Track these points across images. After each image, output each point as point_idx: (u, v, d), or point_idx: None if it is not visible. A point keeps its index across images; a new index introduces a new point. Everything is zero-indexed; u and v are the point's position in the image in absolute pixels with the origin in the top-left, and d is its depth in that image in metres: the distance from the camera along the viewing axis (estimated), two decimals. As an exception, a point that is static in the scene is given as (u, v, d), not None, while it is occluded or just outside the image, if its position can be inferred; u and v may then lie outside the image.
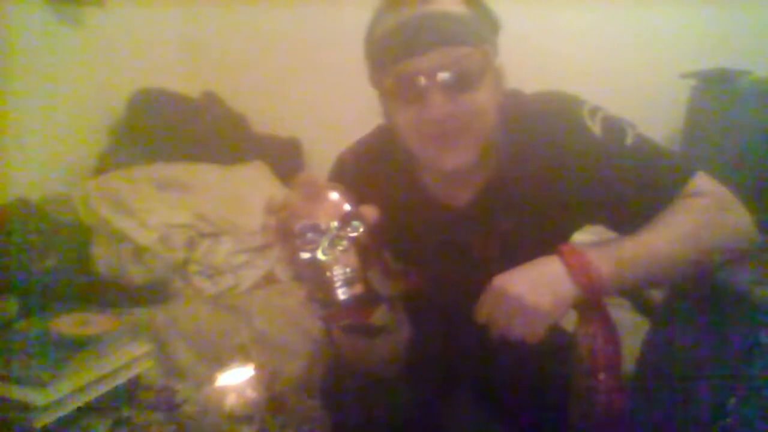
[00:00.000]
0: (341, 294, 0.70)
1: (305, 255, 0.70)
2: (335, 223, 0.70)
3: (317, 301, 0.73)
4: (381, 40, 0.84)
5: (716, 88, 1.87)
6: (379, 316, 0.78)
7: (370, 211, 0.72)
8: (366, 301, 0.74)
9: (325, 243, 0.70)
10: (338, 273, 0.70)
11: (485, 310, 0.81)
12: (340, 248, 0.70)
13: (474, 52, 0.81)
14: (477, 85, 0.82)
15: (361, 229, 0.71)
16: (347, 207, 0.71)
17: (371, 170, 0.96)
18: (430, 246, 0.96)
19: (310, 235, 0.69)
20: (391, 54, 0.82)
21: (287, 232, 0.70)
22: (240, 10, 2.42)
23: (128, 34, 2.20)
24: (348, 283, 0.70)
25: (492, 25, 0.87)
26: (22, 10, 1.82)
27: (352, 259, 0.71)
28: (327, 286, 0.70)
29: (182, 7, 2.44)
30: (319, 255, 0.70)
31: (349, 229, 0.71)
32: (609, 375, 0.82)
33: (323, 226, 0.70)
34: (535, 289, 0.78)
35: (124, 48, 2.18)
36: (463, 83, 0.81)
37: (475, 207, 0.93)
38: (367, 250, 0.72)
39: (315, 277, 0.71)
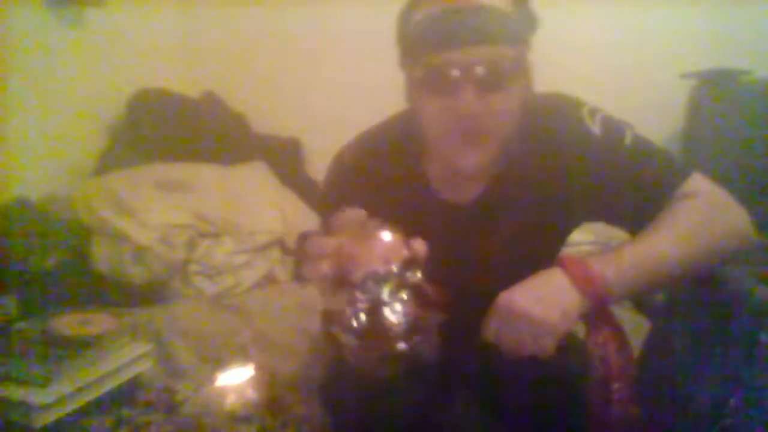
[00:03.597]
0: (400, 347, 0.66)
1: (363, 305, 0.66)
2: (394, 268, 0.66)
3: (367, 354, 0.68)
4: (420, 25, 0.82)
5: (716, 88, 1.87)
6: (416, 344, 0.72)
7: (421, 247, 0.70)
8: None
9: (385, 292, 0.66)
10: (396, 324, 0.66)
11: (492, 328, 0.79)
12: (402, 296, 0.66)
13: (512, 53, 0.81)
14: (509, 85, 0.82)
15: (419, 274, 0.68)
16: (405, 251, 0.67)
17: (374, 165, 0.95)
18: (433, 243, 0.95)
19: (370, 283, 0.66)
20: (429, 42, 0.81)
21: (344, 281, 0.66)
22: (240, 10, 2.41)
23: (128, 34, 2.19)
24: (408, 334, 0.66)
25: (531, 23, 0.86)
26: (22, 11, 1.82)
27: (410, 307, 0.67)
28: (384, 337, 0.66)
29: (182, 7, 2.44)
30: (386, 312, 0.66)
31: (408, 275, 0.67)
32: (623, 384, 0.81)
33: (382, 273, 0.66)
34: (541, 303, 0.76)
35: (124, 48, 2.17)
36: (496, 82, 0.80)
37: (477, 205, 0.94)
38: (421, 293, 0.68)
39: (370, 327, 0.67)
